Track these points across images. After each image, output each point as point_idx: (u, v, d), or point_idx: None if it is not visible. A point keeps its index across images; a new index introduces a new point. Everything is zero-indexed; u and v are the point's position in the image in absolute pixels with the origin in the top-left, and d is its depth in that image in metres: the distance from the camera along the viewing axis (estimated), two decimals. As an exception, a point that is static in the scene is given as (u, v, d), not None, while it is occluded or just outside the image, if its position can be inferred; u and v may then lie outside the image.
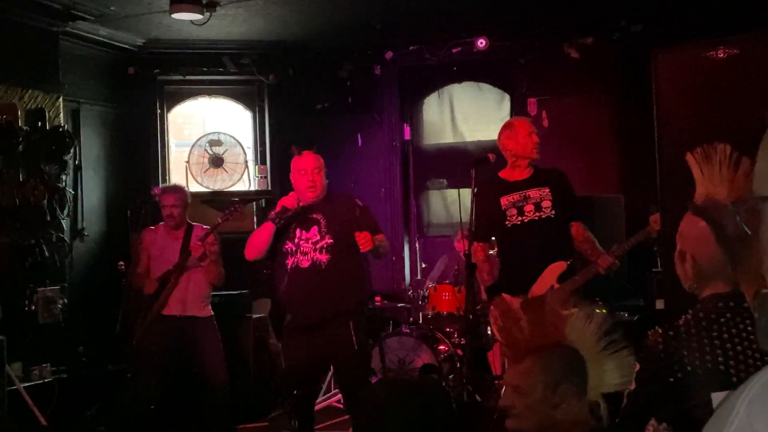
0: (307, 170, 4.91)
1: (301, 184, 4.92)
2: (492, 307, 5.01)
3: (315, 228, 4.89)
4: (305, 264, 4.84)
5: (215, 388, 5.95)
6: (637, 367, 2.25)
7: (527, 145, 5.03)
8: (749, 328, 2.10)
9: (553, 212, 4.99)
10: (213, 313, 6.05)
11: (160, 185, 6.47)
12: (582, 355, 2.36)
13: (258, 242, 5.01)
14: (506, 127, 5.21)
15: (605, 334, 2.35)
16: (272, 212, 4.94)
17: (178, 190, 6.18)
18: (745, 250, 2.16)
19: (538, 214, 4.99)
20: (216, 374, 5.94)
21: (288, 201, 4.91)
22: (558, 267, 4.95)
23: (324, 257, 4.83)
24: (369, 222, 4.99)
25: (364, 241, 4.74)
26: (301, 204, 4.90)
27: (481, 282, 5.23)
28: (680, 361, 2.13)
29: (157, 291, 5.83)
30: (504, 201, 5.05)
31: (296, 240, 4.91)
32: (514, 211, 5.02)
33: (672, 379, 2.13)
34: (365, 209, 5.09)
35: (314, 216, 4.92)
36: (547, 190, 5.02)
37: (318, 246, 4.84)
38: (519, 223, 5.02)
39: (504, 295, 4.97)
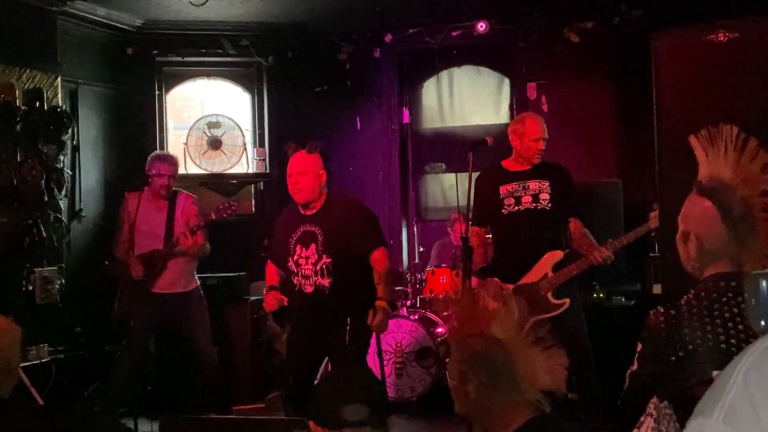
0: (292, 173, 4.70)
1: (289, 187, 4.75)
2: (481, 288, 5.05)
3: (313, 246, 4.68)
4: (309, 289, 4.69)
5: (204, 360, 6.03)
6: (640, 347, 2.26)
7: (530, 149, 5.08)
8: (750, 307, 2.10)
9: (549, 205, 5.06)
10: (199, 283, 6.13)
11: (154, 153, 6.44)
12: (506, 347, 2.42)
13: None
14: (518, 121, 5.26)
15: (531, 329, 2.44)
16: (263, 313, 4.90)
17: (173, 159, 6.21)
18: (750, 230, 2.17)
19: (534, 204, 5.07)
20: (204, 344, 6.02)
21: (268, 305, 4.80)
22: (554, 256, 5.02)
23: (326, 281, 4.65)
24: (371, 240, 4.77)
25: (376, 323, 4.64)
26: (284, 303, 4.71)
27: (473, 266, 5.26)
28: (681, 340, 2.14)
29: (144, 272, 5.85)
30: (503, 190, 5.12)
31: (296, 257, 4.73)
32: (512, 201, 5.10)
33: (673, 358, 2.14)
34: (370, 223, 4.86)
35: (312, 229, 4.71)
36: (547, 183, 5.09)
37: (318, 268, 4.65)
38: (515, 211, 5.09)
39: (496, 279, 5.04)
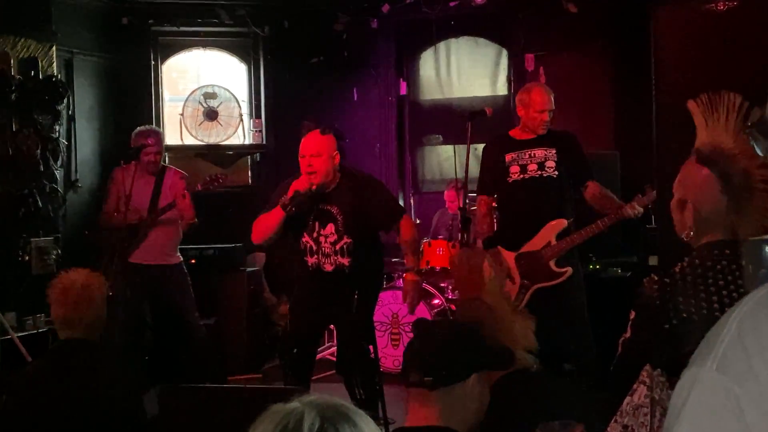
0: (305, 155, 4.56)
1: (302, 169, 4.59)
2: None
3: (331, 225, 4.62)
4: (329, 268, 4.65)
5: (192, 335, 6.02)
6: (633, 314, 2.26)
7: (535, 120, 5.08)
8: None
9: (555, 173, 5.05)
10: (182, 259, 6.11)
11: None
12: (494, 312, 2.58)
13: (266, 228, 4.67)
14: (525, 91, 5.24)
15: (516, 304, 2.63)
16: (284, 197, 4.54)
17: (155, 133, 6.16)
18: (749, 201, 2.15)
19: (540, 172, 5.06)
20: (189, 319, 6.01)
21: (300, 184, 4.54)
22: (558, 224, 5.02)
23: (346, 260, 4.63)
24: (394, 211, 4.79)
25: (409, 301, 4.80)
26: (314, 187, 4.53)
27: (479, 234, 5.28)
28: (675, 308, 2.14)
29: (126, 240, 5.82)
30: (508, 157, 5.12)
31: (314, 235, 4.66)
32: (517, 168, 5.09)
33: (667, 326, 2.14)
34: (386, 195, 4.88)
35: (329, 208, 4.64)
36: (554, 151, 5.09)
37: (338, 247, 4.62)
38: (520, 179, 5.08)
39: (500, 248, 5.02)
